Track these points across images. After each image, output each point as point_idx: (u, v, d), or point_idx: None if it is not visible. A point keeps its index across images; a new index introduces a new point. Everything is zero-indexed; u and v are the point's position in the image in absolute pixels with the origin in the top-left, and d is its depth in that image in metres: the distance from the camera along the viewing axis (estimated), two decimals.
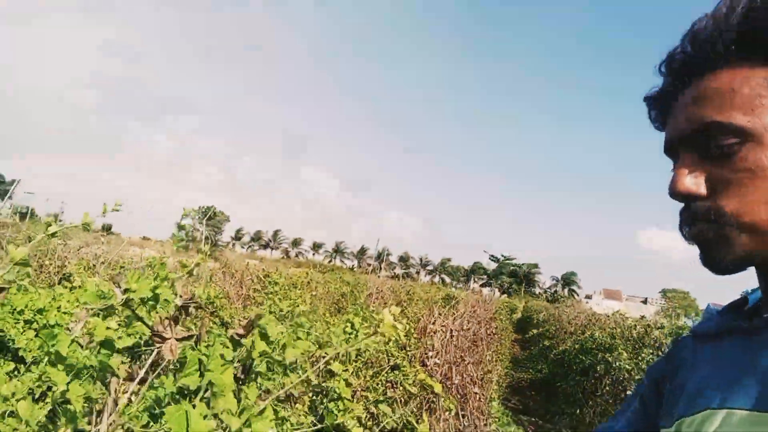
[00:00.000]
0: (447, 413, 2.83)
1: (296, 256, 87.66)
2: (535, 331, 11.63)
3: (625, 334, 6.49)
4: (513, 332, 13.44)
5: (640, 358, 5.59)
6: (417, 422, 2.58)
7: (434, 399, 2.71)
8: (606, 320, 9.26)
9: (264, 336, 1.06)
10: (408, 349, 2.64)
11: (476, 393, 4.19)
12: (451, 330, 3.47)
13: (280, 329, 1.40)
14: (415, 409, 3.08)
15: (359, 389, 2.24)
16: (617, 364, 5.61)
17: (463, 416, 4.11)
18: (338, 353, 1.69)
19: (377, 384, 2.26)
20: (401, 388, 2.61)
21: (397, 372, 2.58)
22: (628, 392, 5.76)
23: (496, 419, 6.42)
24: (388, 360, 2.66)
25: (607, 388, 5.97)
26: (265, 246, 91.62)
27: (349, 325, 2.01)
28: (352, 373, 2.17)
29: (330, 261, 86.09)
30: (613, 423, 0.77)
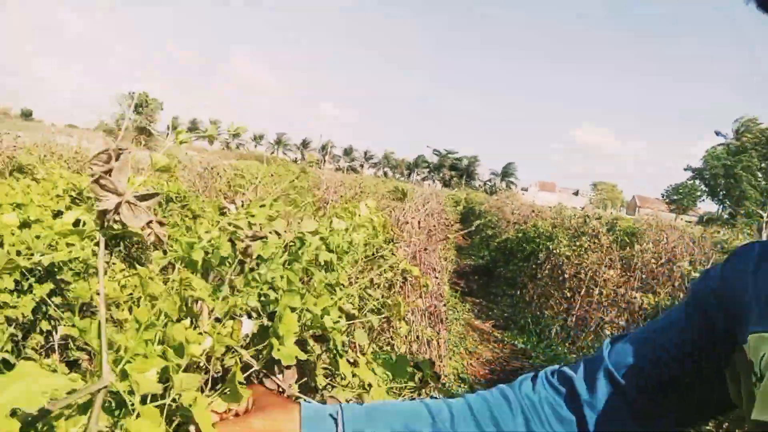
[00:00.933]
0: (424, 289, 3.18)
1: (237, 147, 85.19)
2: (478, 221, 12.31)
3: (565, 223, 7.08)
4: (457, 223, 14.18)
5: (578, 245, 6.18)
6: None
7: (412, 282, 3.03)
8: (547, 212, 9.94)
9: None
10: (387, 239, 2.87)
11: (436, 279, 4.59)
12: (418, 221, 3.74)
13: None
14: (396, 292, 3.39)
15: (353, 278, 2.45)
16: (558, 250, 6.19)
17: (425, 299, 4.52)
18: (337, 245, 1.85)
19: (365, 272, 2.49)
20: (384, 275, 2.87)
21: (381, 261, 2.80)
22: (566, 275, 6.46)
23: (447, 301, 7.00)
24: (374, 252, 2.87)
25: (547, 272, 6.61)
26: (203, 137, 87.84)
27: (340, 217, 2.16)
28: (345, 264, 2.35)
29: (272, 153, 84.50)
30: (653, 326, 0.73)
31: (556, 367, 0.78)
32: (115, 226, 0.53)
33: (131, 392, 0.58)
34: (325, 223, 1.72)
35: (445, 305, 5.30)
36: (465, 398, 0.74)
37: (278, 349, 0.82)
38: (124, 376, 0.61)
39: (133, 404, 0.58)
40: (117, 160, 0.51)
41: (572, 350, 5.91)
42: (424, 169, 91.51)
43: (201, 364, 0.75)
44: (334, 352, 1.26)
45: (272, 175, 6.56)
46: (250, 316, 1.02)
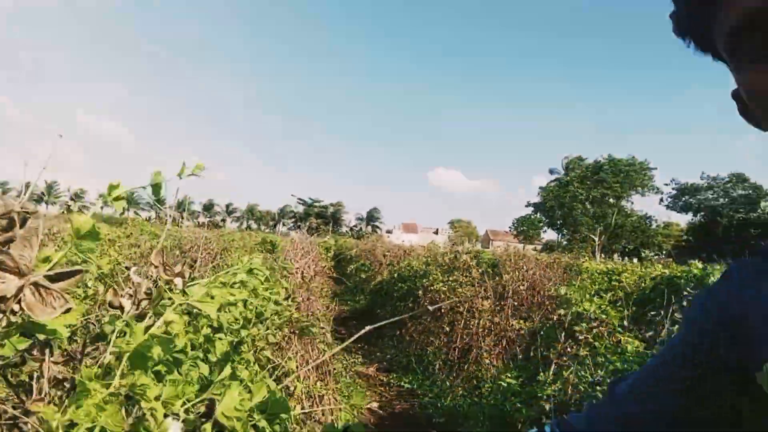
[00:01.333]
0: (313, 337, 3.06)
1: (80, 210, 77.09)
2: (353, 265, 12.40)
3: (438, 260, 7.36)
4: (332, 269, 14.13)
5: (452, 279, 6.44)
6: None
7: (304, 329, 2.90)
8: (419, 249, 10.29)
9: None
10: (284, 296, 2.73)
11: (322, 327, 4.45)
12: (302, 271, 3.62)
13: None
14: (286, 349, 3.19)
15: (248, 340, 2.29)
16: (434, 286, 6.39)
17: (312, 349, 4.35)
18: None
19: (262, 331, 2.32)
20: (279, 332, 2.69)
21: (274, 317, 2.65)
22: (443, 310, 6.67)
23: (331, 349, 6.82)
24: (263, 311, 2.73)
25: (425, 308, 6.77)
26: (38, 200, 78.59)
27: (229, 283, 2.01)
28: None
29: (122, 213, 77.61)
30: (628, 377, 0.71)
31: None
32: (14, 319, 0.38)
33: None
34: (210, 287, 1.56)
35: (333, 356, 5.14)
36: None
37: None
38: None
39: None
40: (21, 226, 0.36)
41: (456, 383, 6.04)
42: (290, 219, 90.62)
43: None
44: None
45: (128, 236, 5.98)
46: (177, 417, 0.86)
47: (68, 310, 0.40)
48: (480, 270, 6.31)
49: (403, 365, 7.28)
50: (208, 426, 0.74)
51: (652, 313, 3.92)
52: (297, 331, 2.94)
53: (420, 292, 6.83)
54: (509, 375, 4.06)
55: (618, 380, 0.72)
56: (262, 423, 0.72)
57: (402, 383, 6.62)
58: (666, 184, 51.86)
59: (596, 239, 47.66)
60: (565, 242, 50.37)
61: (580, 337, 3.21)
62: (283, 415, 0.75)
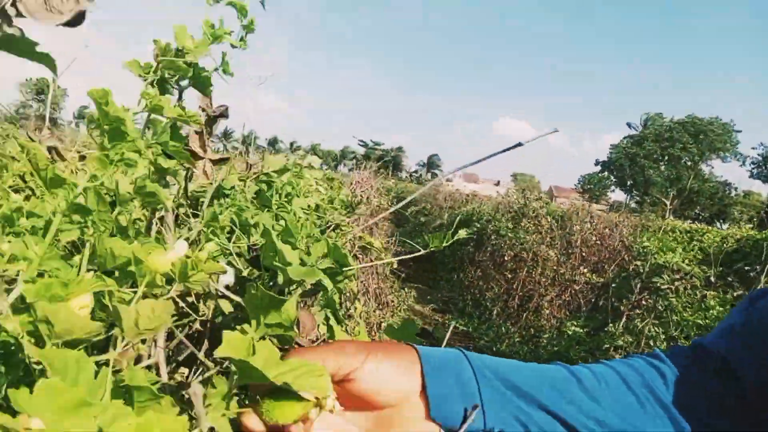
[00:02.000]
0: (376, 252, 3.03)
1: None
2: (413, 208, 12.36)
3: (507, 207, 7.17)
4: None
5: (519, 226, 6.25)
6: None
7: (366, 246, 2.89)
8: (483, 197, 10.08)
9: None
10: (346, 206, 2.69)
11: (382, 257, 4.46)
12: (367, 197, 3.58)
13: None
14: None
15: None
16: (501, 232, 6.23)
17: (372, 276, 4.36)
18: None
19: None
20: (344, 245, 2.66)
21: (338, 231, 2.62)
22: (505, 257, 6.53)
23: (391, 284, 6.90)
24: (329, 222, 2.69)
25: (488, 254, 6.65)
26: None
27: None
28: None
29: None
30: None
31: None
32: (11, 31, 0.29)
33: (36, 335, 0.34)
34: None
35: (390, 287, 5.17)
36: (602, 364, 0.59)
37: (285, 271, 0.61)
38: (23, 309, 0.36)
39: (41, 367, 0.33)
40: None
41: (514, 330, 5.98)
42: (350, 160, 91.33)
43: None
44: (327, 313, 1.05)
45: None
46: (230, 265, 0.80)
47: (80, 15, 0.31)
48: (549, 219, 6.07)
49: (459, 308, 7.27)
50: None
51: (747, 268, 3.61)
52: (360, 249, 2.92)
53: (484, 236, 6.69)
54: (576, 323, 3.92)
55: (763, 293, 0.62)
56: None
57: (457, 325, 6.64)
58: (753, 148, 47.74)
59: (668, 203, 45.09)
60: (633, 204, 48.01)
61: (662, 288, 3.00)
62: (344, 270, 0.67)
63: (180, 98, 0.71)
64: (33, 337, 0.34)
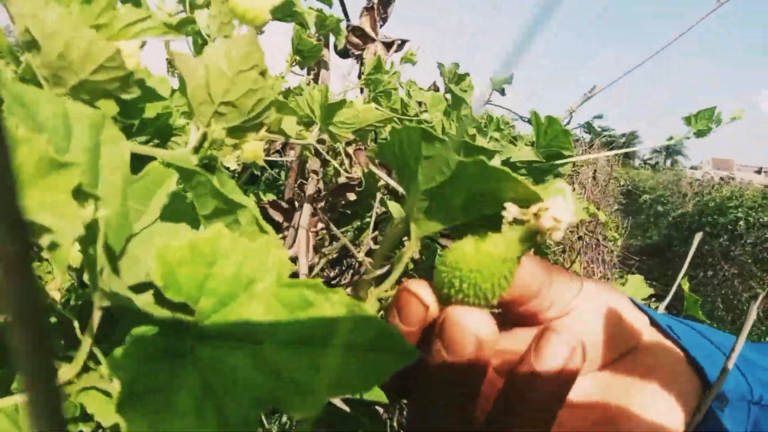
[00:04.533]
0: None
1: None
2: (648, 196, 10.99)
3: None
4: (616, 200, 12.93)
5: None
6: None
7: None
8: (742, 184, 8.46)
9: None
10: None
11: (606, 247, 4.05)
12: (594, 172, 3.24)
13: None
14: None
15: None
16: (763, 220, 5.10)
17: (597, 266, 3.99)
18: None
19: None
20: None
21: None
22: None
23: (620, 276, 6.26)
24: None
25: (748, 248, 5.51)
26: None
27: None
28: None
29: None
30: None
31: None
32: None
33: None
34: None
35: (619, 277, 4.65)
36: None
37: None
38: None
39: None
40: None
41: None
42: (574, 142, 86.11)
43: None
44: None
45: None
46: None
47: None
48: None
49: (706, 311, 6.22)
50: None
51: None
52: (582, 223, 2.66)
53: (741, 225, 5.57)
54: None
55: None
56: None
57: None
58: None
59: None
60: None
61: None
62: None
63: None
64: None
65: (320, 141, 0.71)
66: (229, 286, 0.23)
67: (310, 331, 0.24)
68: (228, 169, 0.89)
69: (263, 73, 0.27)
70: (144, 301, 0.22)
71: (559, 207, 0.24)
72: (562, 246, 2.82)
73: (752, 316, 0.29)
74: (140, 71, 0.31)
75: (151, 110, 0.40)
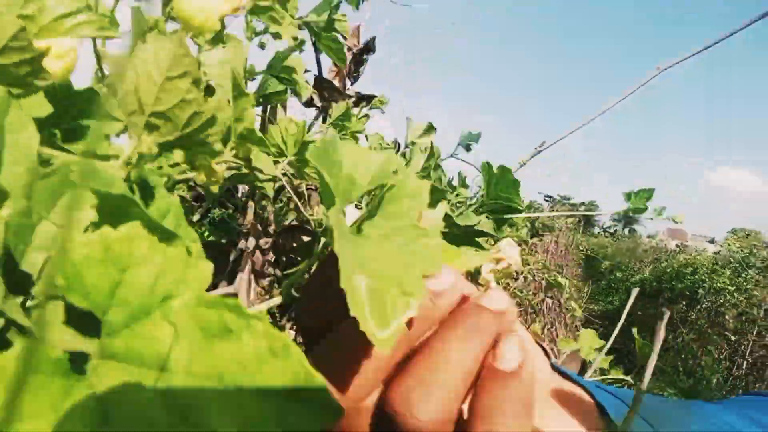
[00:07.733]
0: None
1: None
2: (607, 263, 11.32)
3: (727, 258, 6.10)
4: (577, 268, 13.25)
5: (741, 278, 5.23)
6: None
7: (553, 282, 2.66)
8: (690, 250, 8.80)
9: None
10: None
11: (574, 308, 4.06)
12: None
13: None
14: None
15: None
16: (717, 285, 5.28)
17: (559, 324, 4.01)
18: None
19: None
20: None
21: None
22: (727, 315, 5.44)
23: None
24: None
25: (704, 312, 5.65)
26: None
27: None
28: None
29: None
30: None
31: None
32: None
33: None
34: None
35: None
36: None
37: None
38: None
39: None
40: None
41: None
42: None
43: None
44: None
45: None
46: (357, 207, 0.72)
47: None
48: None
49: (667, 375, 6.26)
50: None
51: None
52: (545, 287, 2.67)
53: (699, 291, 5.73)
54: None
55: None
56: None
57: (664, 395, 5.68)
58: None
59: None
60: None
61: None
62: None
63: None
64: None
65: (285, 175, 0.70)
66: (143, 297, 0.21)
67: (225, 366, 0.22)
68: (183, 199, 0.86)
69: (196, 83, 0.25)
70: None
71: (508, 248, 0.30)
72: (523, 308, 2.83)
73: (660, 335, 0.29)
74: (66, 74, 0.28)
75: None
